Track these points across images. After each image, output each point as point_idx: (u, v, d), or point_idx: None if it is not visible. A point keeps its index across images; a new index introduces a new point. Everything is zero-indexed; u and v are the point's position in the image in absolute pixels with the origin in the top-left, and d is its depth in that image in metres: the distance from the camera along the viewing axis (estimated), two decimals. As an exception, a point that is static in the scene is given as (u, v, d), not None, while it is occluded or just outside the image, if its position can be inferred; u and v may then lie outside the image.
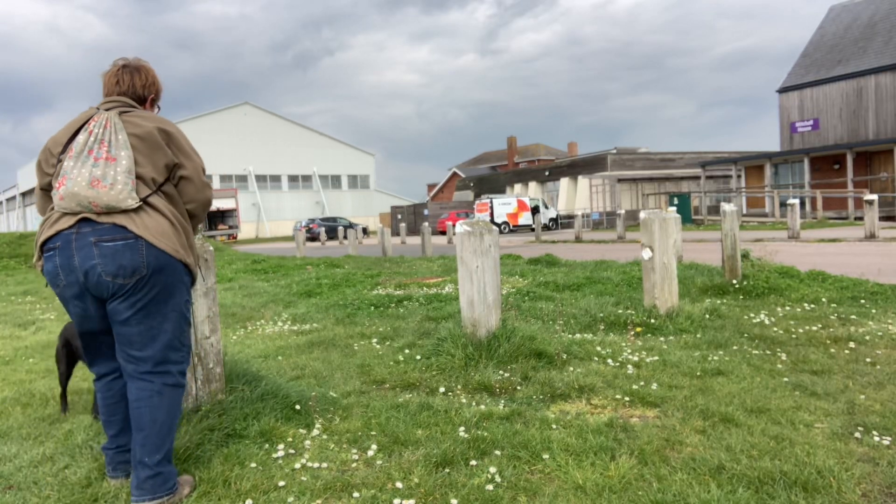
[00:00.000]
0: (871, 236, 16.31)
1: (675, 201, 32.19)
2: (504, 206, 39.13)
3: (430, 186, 77.44)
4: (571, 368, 4.28)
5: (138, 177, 2.54)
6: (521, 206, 39.44)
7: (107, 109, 2.63)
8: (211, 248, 3.32)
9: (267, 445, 3.08)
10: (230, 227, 45.79)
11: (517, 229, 38.49)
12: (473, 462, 2.82)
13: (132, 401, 2.58)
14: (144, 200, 2.54)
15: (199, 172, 2.72)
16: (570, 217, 39.95)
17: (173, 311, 2.63)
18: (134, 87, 2.75)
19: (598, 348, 4.79)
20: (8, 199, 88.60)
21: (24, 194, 79.64)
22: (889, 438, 2.93)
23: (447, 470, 2.76)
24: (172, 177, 2.66)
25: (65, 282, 2.53)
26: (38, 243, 2.59)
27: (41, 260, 2.60)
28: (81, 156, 2.52)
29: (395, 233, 44.57)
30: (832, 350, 4.61)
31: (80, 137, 2.55)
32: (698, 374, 4.10)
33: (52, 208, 2.58)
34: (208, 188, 2.77)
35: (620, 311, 5.95)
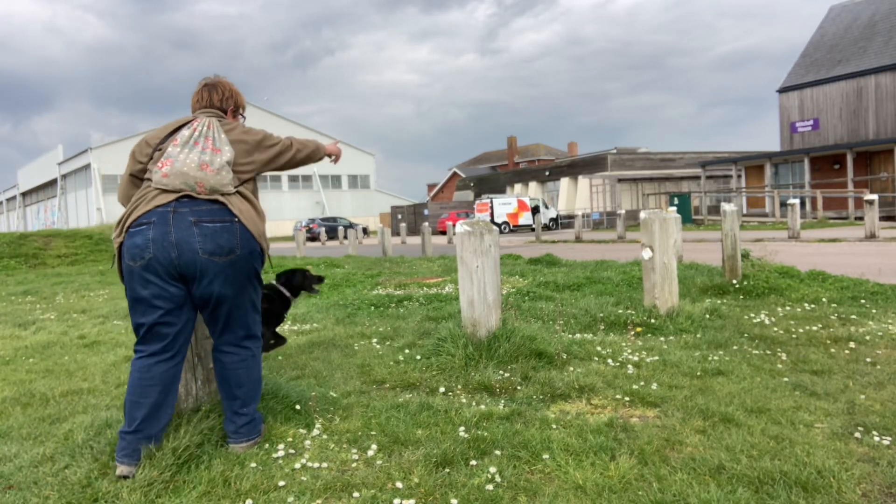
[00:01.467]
0: (872, 236, 16.31)
1: (676, 201, 32.18)
2: (504, 206, 39.12)
3: (430, 186, 77.43)
4: (571, 368, 4.28)
5: (233, 170, 2.95)
6: (522, 206, 39.43)
7: (207, 116, 3.06)
8: None
9: (267, 445, 3.08)
10: None
11: (517, 229, 38.48)
12: (473, 462, 2.82)
13: (230, 365, 3.02)
14: (237, 189, 2.94)
15: (285, 145, 3.20)
16: (571, 217, 39.94)
17: (254, 288, 3.01)
18: (212, 101, 3.14)
19: (599, 348, 4.79)
20: (8, 199, 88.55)
21: (24, 194, 79.63)
22: (889, 438, 2.93)
23: (447, 470, 2.76)
24: (258, 175, 3.12)
25: (152, 255, 2.75)
26: (129, 220, 2.83)
27: (122, 236, 2.83)
28: (188, 144, 2.89)
29: (396, 233, 44.57)
30: (832, 350, 4.61)
31: (185, 132, 2.94)
32: (698, 374, 4.10)
33: (149, 187, 2.87)
34: (293, 149, 3.26)
35: (620, 311, 5.95)
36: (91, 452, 3.02)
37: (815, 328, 5.30)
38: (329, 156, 3.50)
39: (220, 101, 3.16)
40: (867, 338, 4.89)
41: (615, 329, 5.55)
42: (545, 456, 2.84)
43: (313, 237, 40.78)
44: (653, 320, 5.60)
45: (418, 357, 4.70)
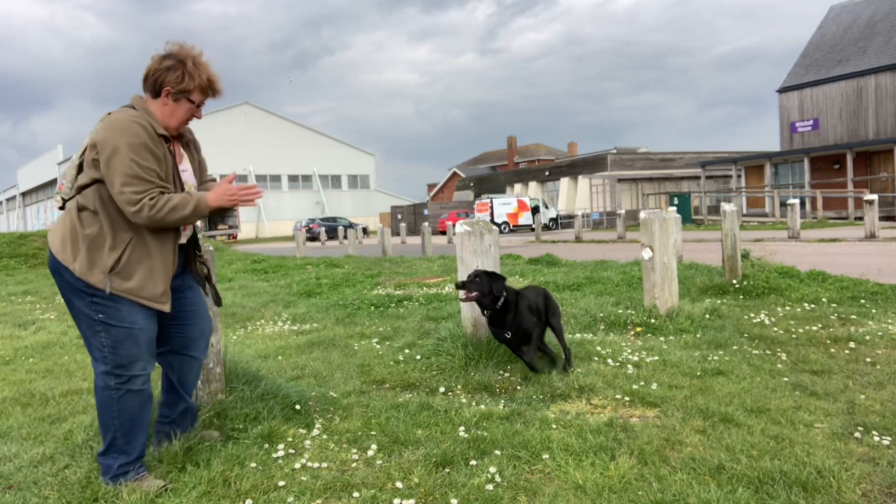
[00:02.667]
0: (872, 236, 16.31)
1: (675, 201, 32.17)
2: (504, 205, 39.12)
3: (430, 186, 77.42)
4: (571, 368, 4.28)
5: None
6: (522, 206, 39.43)
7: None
8: (211, 247, 3.32)
9: (267, 445, 3.08)
10: (230, 227, 45.65)
11: (517, 229, 38.47)
12: (473, 462, 2.82)
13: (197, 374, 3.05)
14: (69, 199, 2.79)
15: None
16: (571, 217, 39.93)
17: (79, 307, 2.70)
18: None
19: (598, 348, 4.79)
20: (8, 199, 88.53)
21: (24, 194, 79.63)
22: (889, 438, 2.93)
23: (447, 470, 2.76)
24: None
25: None
26: None
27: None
28: None
29: (395, 233, 44.56)
30: (832, 350, 4.61)
31: None
32: (698, 374, 4.10)
33: None
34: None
35: (620, 311, 5.95)
36: (91, 452, 3.02)
37: (815, 328, 5.30)
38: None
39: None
40: (867, 338, 4.89)
41: (615, 329, 5.55)
42: (545, 456, 2.84)
43: (313, 237, 40.77)
44: (653, 320, 5.60)
45: (418, 357, 4.70)
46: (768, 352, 4.65)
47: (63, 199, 2.70)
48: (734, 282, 7.29)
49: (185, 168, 2.83)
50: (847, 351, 4.57)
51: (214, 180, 3.01)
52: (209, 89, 2.74)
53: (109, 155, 2.51)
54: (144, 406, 2.74)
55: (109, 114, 2.65)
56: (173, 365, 2.96)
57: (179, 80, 2.64)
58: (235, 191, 2.69)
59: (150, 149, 2.55)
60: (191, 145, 2.93)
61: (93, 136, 2.58)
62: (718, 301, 6.71)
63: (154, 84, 2.66)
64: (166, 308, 2.68)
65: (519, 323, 4.05)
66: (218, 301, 3.11)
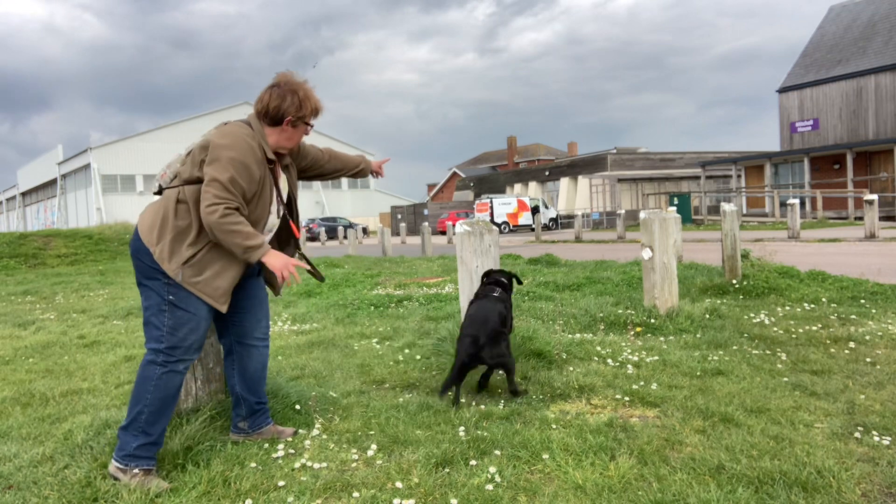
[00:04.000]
0: (871, 236, 16.31)
1: (675, 201, 32.18)
2: (504, 206, 39.12)
3: (430, 186, 77.40)
4: (571, 368, 4.28)
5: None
6: (521, 206, 39.43)
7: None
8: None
9: (267, 445, 3.09)
10: None
11: (517, 229, 38.48)
12: (473, 462, 2.82)
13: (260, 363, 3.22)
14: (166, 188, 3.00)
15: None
16: (570, 217, 39.94)
17: (149, 292, 2.92)
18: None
19: (598, 348, 4.79)
20: (8, 199, 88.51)
21: (23, 194, 79.61)
22: (889, 438, 2.93)
23: (447, 470, 2.76)
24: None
25: None
26: None
27: None
28: None
29: (395, 233, 44.56)
30: (832, 350, 4.61)
31: None
32: (698, 374, 4.10)
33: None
34: None
35: (620, 311, 5.95)
36: (91, 452, 3.02)
37: (814, 328, 5.30)
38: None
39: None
40: (867, 338, 4.89)
41: (615, 329, 5.55)
42: (545, 456, 2.84)
43: (313, 237, 40.78)
44: (653, 320, 5.60)
45: (418, 357, 4.70)
46: (768, 352, 4.65)
47: (161, 186, 2.93)
48: (734, 282, 7.29)
49: (283, 188, 3.10)
50: (847, 351, 4.57)
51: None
52: (318, 111, 3.06)
53: (214, 158, 2.76)
54: (177, 392, 2.88)
55: (226, 123, 2.93)
56: (235, 356, 3.17)
57: (298, 109, 2.94)
58: (292, 268, 2.88)
59: (249, 170, 2.80)
60: (290, 168, 3.19)
61: (206, 138, 2.86)
62: (718, 301, 6.71)
63: (276, 116, 2.93)
64: (223, 308, 2.86)
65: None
66: (319, 276, 3.20)
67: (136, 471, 2.71)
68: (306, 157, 3.35)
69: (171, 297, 2.78)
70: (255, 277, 3.15)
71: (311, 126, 3.08)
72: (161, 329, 2.79)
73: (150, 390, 2.79)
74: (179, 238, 2.79)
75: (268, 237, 3.08)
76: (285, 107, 2.92)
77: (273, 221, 3.07)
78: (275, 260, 2.84)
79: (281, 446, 3.07)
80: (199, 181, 2.80)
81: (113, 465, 2.76)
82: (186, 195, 2.81)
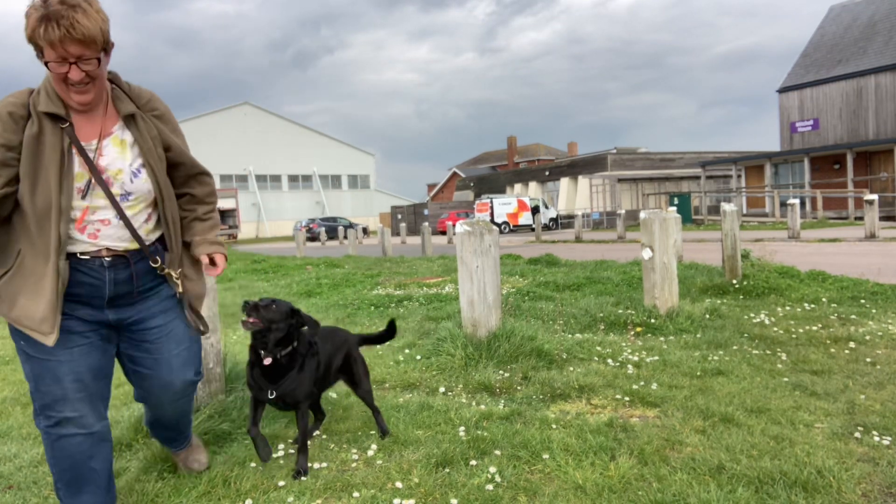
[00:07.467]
0: (872, 236, 16.30)
1: (676, 201, 32.18)
2: (504, 206, 39.12)
3: (430, 186, 77.43)
4: (571, 368, 4.28)
5: None
6: (522, 206, 39.43)
7: None
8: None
9: (267, 445, 3.08)
10: (230, 227, 45.83)
11: (517, 229, 38.48)
12: (473, 462, 2.82)
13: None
14: None
15: None
16: (571, 217, 39.93)
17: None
18: None
19: (598, 348, 4.79)
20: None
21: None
22: (889, 438, 2.93)
23: (447, 470, 2.76)
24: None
25: None
26: None
27: None
28: None
29: (396, 233, 44.57)
30: (832, 350, 4.61)
31: None
32: (698, 374, 4.10)
33: None
34: None
35: (620, 311, 5.95)
36: (91, 452, 3.01)
37: (814, 328, 5.29)
38: None
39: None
40: (867, 338, 4.89)
41: (615, 329, 5.55)
42: (545, 456, 2.84)
43: (313, 237, 40.78)
44: (653, 320, 5.60)
45: (418, 357, 4.70)
46: (768, 352, 4.65)
47: None
48: (734, 282, 7.29)
49: (107, 152, 2.19)
50: (847, 351, 4.57)
51: (208, 175, 2.53)
52: (34, 38, 2.02)
53: None
54: (92, 456, 2.24)
55: None
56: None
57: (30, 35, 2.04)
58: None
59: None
60: (137, 119, 2.25)
61: None
62: (718, 301, 6.71)
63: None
64: (48, 341, 2.09)
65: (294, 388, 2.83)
66: (198, 330, 2.47)
67: None
68: (169, 152, 2.33)
69: (21, 341, 2.17)
70: (161, 327, 2.39)
71: (58, 62, 2.01)
72: (29, 384, 2.21)
73: (50, 462, 2.26)
74: None
75: (85, 245, 2.17)
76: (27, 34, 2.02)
77: (79, 206, 2.14)
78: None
79: (281, 446, 3.07)
80: None
81: None
82: None
